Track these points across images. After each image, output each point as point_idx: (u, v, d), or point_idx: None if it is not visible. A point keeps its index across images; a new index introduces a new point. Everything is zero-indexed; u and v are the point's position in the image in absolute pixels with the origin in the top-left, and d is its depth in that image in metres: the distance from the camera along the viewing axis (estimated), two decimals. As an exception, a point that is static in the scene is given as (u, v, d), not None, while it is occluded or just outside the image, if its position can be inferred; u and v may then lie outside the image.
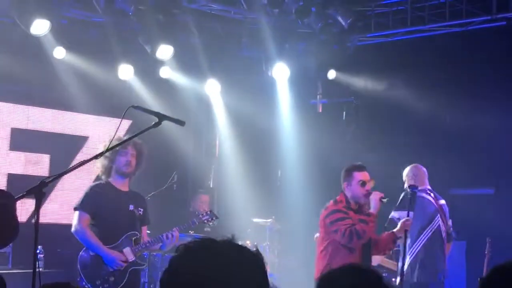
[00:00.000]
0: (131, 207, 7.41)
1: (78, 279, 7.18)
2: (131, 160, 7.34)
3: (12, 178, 10.86)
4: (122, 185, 7.44)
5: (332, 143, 12.31)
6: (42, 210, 5.16)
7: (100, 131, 11.71)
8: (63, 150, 11.38)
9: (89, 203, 7.28)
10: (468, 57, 11.31)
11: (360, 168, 7.46)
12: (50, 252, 10.02)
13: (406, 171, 9.21)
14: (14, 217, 4.85)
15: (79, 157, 11.36)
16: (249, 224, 11.48)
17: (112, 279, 7.18)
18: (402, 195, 8.98)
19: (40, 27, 9.78)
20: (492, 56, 11.18)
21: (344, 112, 12.54)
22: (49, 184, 5.13)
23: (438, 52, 11.63)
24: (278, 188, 13.10)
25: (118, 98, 11.41)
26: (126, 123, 10.65)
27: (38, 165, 11.19)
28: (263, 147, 12.88)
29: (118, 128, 5.78)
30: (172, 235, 7.42)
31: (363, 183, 7.32)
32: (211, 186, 13.31)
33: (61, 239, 10.04)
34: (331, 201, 7.48)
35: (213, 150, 13.53)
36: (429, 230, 8.76)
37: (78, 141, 11.72)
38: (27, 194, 5.00)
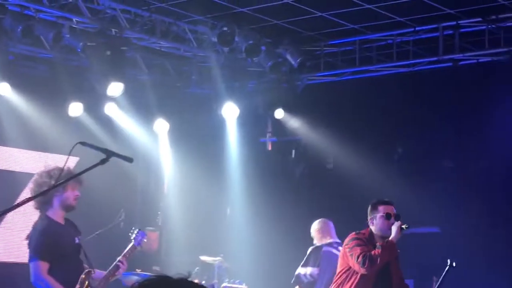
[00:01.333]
0: (77, 240, 7.24)
1: None
2: (79, 196, 7.19)
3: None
4: (61, 218, 7.21)
5: (281, 181, 12.35)
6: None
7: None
8: (9, 187, 11.20)
9: (46, 250, 6.92)
10: (414, 97, 11.49)
11: (386, 202, 7.33)
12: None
13: (313, 226, 9.48)
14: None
15: (24, 195, 11.19)
16: (197, 262, 11.39)
17: None
18: (308, 251, 9.28)
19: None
20: (439, 97, 11.37)
21: (293, 151, 12.59)
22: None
23: (385, 92, 11.78)
24: (227, 226, 13.06)
25: (66, 135, 11.30)
26: (73, 160, 10.54)
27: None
28: (212, 185, 12.84)
29: (65, 164, 5.71)
30: (123, 263, 7.29)
31: (388, 216, 7.20)
32: (159, 223, 13.20)
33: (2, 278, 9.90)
34: (354, 232, 7.35)
35: (161, 187, 13.46)
36: None
37: (25, 178, 11.53)
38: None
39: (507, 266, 10.53)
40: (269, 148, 13.41)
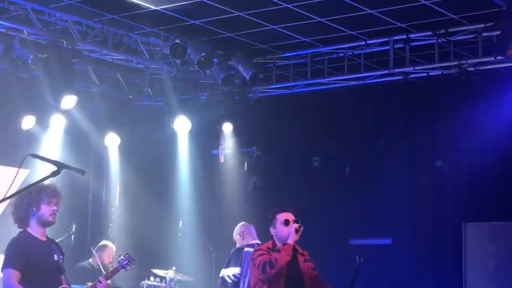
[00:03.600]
0: (56, 257, 7.15)
1: None
2: (56, 210, 7.10)
3: None
4: (42, 235, 7.14)
5: (234, 193, 12.36)
6: None
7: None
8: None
9: (17, 259, 6.76)
10: (366, 110, 11.61)
11: (283, 210, 7.53)
12: None
13: (235, 230, 9.76)
14: None
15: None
16: (148, 274, 11.31)
17: None
18: (230, 253, 9.53)
19: None
20: (390, 109, 11.50)
21: (246, 163, 12.60)
22: None
23: (337, 105, 11.89)
24: (179, 238, 13.00)
25: (18, 148, 11.18)
26: (24, 172, 10.44)
27: None
28: (164, 198, 12.81)
29: (15, 177, 5.62)
30: (103, 285, 7.25)
31: (287, 222, 7.37)
32: (110, 236, 13.10)
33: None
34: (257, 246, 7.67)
35: (113, 200, 13.36)
36: None
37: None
38: None
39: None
40: (222, 160, 13.39)
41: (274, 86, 12.08)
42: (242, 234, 9.70)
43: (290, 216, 7.44)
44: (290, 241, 7.28)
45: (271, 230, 7.48)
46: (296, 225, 7.31)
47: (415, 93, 11.21)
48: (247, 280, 8.93)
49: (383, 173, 11.57)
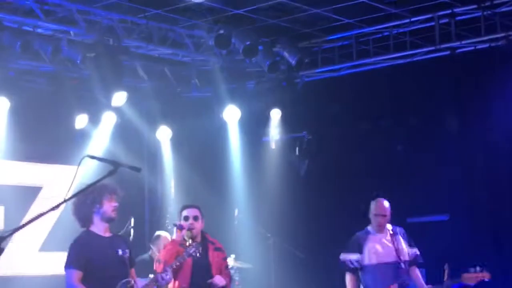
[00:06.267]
0: (120, 252, 7.27)
1: None
2: (117, 206, 7.25)
3: (-35, 233, 10.66)
4: (105, 231, 7.28)
5: (287, 179, 12.42)
6: None
7: (54, 180, 11.63)
8: (17, 201, 11.26)
9: (78, 259, 6.96)
10: (413, 88, 11.53)
11: (187, 206, 8.22)
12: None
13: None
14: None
15: (34, 207, 11.27)
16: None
17: None
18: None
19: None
20: (438, 86, 11.40)
21: (297, 148, 12.62)
22: (6, 239, 5.07)
23: (384, 84, 11.82)
24: (236, 226, 13.09)
25: (72, 147, 11.40)
26: (82, 171, 10.60)
27: (-8, 218, 11.06)
28: (218, 187, 12.90)
29: (74, 177, 5.71)
30: (168, 275, 7.38)
31: (186, 218, 8.03)
32: (168, 228, 13.24)
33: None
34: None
35: (168, 193, 13.51)
36: None
37: (32, 191, 11.61)
38: (-16, 251, 4.89)
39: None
40: (273, 147, 13.43)
41: (320, 69, 12.09)
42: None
43: (189, 212, 8.08)
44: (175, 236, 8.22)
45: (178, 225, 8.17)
46: (181, 223, 8.01)
47: (463, 67, 11.09)
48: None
49: (432, 151, 11.48)
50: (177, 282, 7.73)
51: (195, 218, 8.04)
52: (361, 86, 11.93)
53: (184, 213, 8.10)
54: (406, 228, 9.13)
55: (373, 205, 8.80)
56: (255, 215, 12.64)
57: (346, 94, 11.97)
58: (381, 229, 8.70)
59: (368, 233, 8.76)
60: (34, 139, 11.19)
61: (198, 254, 7.90)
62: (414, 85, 11.59)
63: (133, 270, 7.38)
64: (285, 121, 12.52)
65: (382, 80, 11.79)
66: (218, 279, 7.96)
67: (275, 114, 12.37)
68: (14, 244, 10.71)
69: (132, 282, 7.22)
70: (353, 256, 8.67)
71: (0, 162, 11.24)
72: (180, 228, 8.17)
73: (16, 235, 10.15)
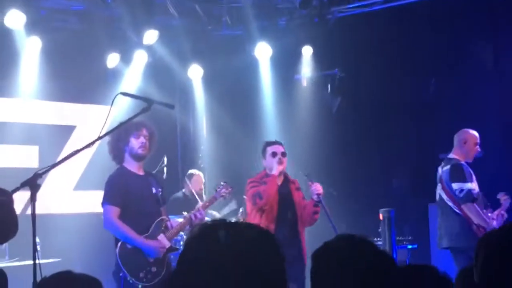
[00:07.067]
0: (154, 190, 7.34)
1: (121, 274, 6.96)
2: (146, 142, 7.29)
3: (1, 172, 10.79)
4: (138, 169, 7.31)
5: (319, 116, 12.39)
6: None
7: (87, 119, 11.70)
8: (51, 141, 11.36)
9: (116, 195, 7.09)
10: (451, 23, 11.33)
11: (272, 143, 8.15)
12: (46, 242, 10.02)
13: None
14: (13, 212, 4.79)
15: (68, 147, 11.37)
16: (242, 202, 11.51)
17: (154, 269, 7.05)
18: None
19: (15, 19, 9.76)
20: (476, 21, 11.19)
21: (329, 85, 12.55)
22: (42, 176, 5.13)
23: (419, 20, 11.64)
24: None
25: (104, 86, 11.43)
26: (114, 110, 10.66)
27: (27, 157, 11.16)
28: (249, 125, 12.89)
29: (108, 115, 5.73)
30: (201, 214, 7.45)
31: (274, 154, 7.94)
32: (201, 166, 13.32)
33: (54, 229, 10.13)
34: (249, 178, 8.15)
35: (200, 131, 13.55)
36: None
37: (66, 131, 11.70)
38: (21, 187, 4.98)
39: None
40: (304, 84, 13.36)
41: (352, 5, 11.91)
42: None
43: (277, 148, 8.01)
44: (275, 172, 7.84)
45: (263, 162, 8.09)
46: (279, 157, 7.89)
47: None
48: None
49: (468, 86, 11.33)
50: (263, 219, 7.74)
51: (283, 154, 8.03)
52: (393, 21, 11.76)
53: (271, 149, 8.04)
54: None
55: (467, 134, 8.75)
56: (288, 154, 12.64)
57: (379, 30, 11.82)
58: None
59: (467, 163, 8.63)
60: (66, 78, 11.21)
61: (226, 195, 8.05)
62: (450, 20, 11.35)
63: (164, 208, 7.47)
64: (317, 58, 12.43)
65: (416, 15, 11.60)
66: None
67: (307, 51, 12.29)
68: (49, 183, 10.84)
69: (166, 220, 7.31)
70: (472, 185, 8.43)
71: (33, 102, 11.30)
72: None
73: (51, 175, 10.38)
